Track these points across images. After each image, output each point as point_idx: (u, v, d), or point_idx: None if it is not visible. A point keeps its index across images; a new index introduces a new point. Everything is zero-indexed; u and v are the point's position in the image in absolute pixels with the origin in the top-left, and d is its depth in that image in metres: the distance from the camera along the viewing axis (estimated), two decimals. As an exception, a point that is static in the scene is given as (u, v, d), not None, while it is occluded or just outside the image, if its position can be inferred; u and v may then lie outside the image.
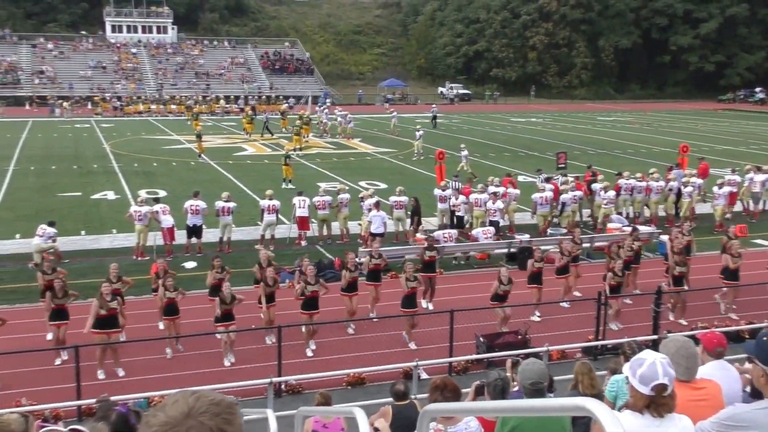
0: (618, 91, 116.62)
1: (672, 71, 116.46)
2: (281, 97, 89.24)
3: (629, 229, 25.64)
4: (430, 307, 20.01)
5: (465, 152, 39.83)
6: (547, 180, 29.80)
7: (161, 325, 17.86)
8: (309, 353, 17.25)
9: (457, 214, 27.27)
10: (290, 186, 34.30)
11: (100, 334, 15.94)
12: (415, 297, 18.37)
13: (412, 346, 17.70)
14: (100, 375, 15.64)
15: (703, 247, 24.97)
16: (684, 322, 19.03)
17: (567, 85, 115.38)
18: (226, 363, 16.60)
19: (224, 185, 33.75)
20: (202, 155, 45.08)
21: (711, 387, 5.34)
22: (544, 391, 7.30)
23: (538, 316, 19.54)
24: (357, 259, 20.08)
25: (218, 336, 16.91)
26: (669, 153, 45.14)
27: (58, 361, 16.43)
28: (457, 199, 27.34)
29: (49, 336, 17.14)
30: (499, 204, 26.96)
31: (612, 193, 28.41)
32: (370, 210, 25.65)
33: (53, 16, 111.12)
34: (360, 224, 26.72)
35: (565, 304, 20.10)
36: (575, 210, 28.23)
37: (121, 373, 16.04)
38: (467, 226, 27.64)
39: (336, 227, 26.94)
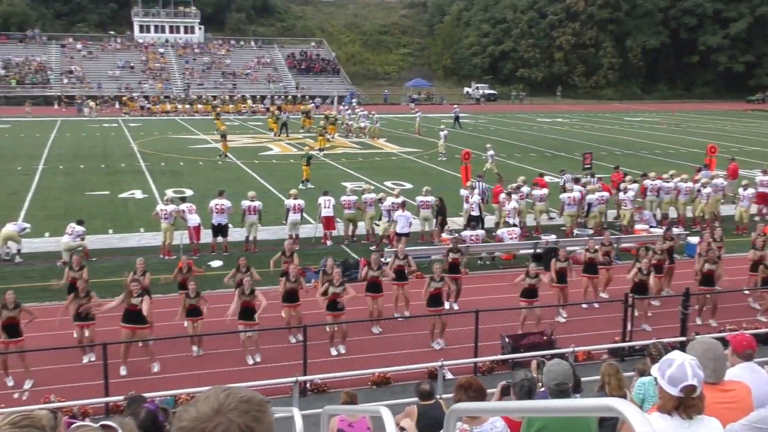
0: (645, 92, 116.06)
1: (700, 71, 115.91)
2: (307, 97, 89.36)
3: (656, 230, 25.61)
4: (456, 307, 19.96)
5: (491, 152, 39.69)
6: (576, 181, 29.66)
7: (186, 323, 17.95)
8: (333, 352, 17.28)
9: (471, 213, 27.20)
10: (303, 187, 34.38)
11: (126, 329, 16.05)
12: (440, 297, 18.30)
13: (440, 344, 17.68)
14: (122, 371, 15.66)
15: (732, 248, 24.78)
16: (714, 323, 18.89)
17: (594, 85, 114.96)
18: (249, 362, 16.64)
19: (250, 185, 33.86)
20: (228, 154, 45.25)
21: (740, 389, 5.31)
22: (569, 392, 7.27)
23: (564, 317, 19.47)
24: (383, 259, 20.11)
25: (240, 335, 16.97)
26: (697, 154, 44.90)
27: (85, 360, 16.55)
28: (471, 197, 27.32)
29: (75, 334, 17.33)
30: (513, 203, 26.95)
31: (631, 194, 28.21)
32: (389, 211, 25.70)
33: (82, 17, 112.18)
34: (377, 224, 26.70)
35: (588, 305, 19.99)
36: (602, 211, 28.10)
37: (156, 368, 16.15)
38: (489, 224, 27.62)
39: (362, 227, 26.97)
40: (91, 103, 75.60)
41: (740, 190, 29.55)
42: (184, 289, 17.98)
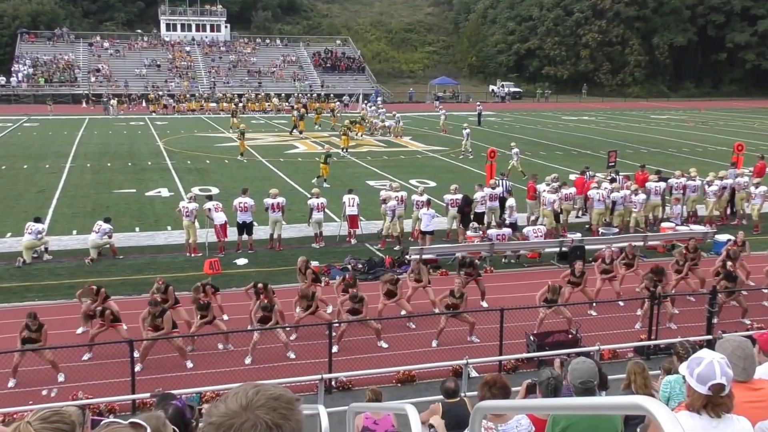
0: (672, 90, 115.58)
1: (728, 69, 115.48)
2: (332, 95, 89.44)
3: (682, 228, 25.55)
4: (484, 305, 19.88)
5: (516, 150, 39.60)
6: (612, 181, 29.57)
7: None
8: (383, 345, 17.44)
9: (476, 210, 27.18)
10: (316, 183, 34.65)
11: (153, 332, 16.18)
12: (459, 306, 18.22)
13: (475, 339, 17.78)
14: (137, 368, 15.50)
15: (753, 247, 24.58)
16: (747, 321, 18.76)
17: (620, 83, 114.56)
18: (247, 361, 16.56)
19: (275, 183, 34.02)
20: (243, 153, 45.16)
21: (769, 388, 5.29)
22: (594, 390, 7.28)
23: (594, 313, 19.41)
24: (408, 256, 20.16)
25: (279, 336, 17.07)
26: (725, 152, 44.59)
27: (85, 357, 16.58)
28: (477, 194, 27.35)
29: (80, 330, 17.54)
30: (512, 201, 27.11)
31: (642, 197, 27.95)
32: (393, 210, 25.68)
33: (109, 15, 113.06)
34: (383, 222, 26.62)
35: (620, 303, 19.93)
36: (630, 209, 27.94)
37: (189, 365, 16.24)
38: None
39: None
40: (113, 101, 76.16)
41: (752, 188, 29.27)
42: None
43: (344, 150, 46.85)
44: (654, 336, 17.26)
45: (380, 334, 17.58)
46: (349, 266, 22.40)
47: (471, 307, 18.36)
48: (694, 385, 4.42)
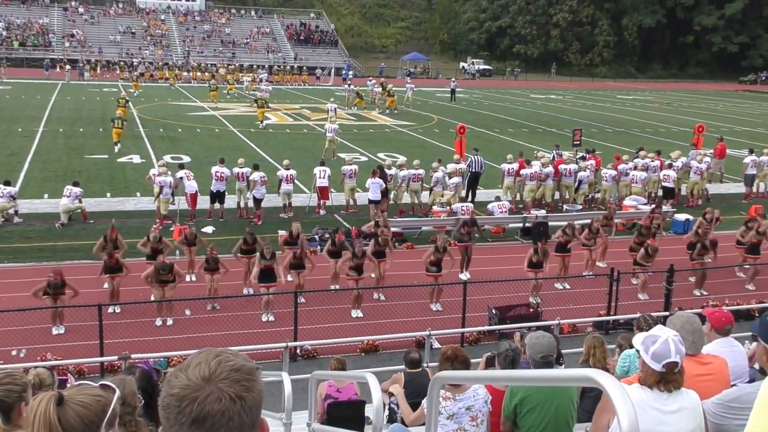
0: (639, 71, 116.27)
1: (695, 51, 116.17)
2: (305, 68, 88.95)
3: (645, 207, 25.98)
4: (467, 276, 20.15)
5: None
6: (592, 153, 30.20)
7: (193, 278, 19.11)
8: (354, 314, 17.98)
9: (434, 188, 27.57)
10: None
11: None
12: (440, 264, 18.61)
13: (438, 307, 18.33)
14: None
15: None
16: (704, 292, 19.81)
17: (588, 63, 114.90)
18: (264, 319, 17.39)
19: (246, 153, 34.01)
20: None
21: (718, 363, 5.57)
22: (552, 364, 7.50)
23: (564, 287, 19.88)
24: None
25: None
26: (687, 133, 45.09)
27: (110, 310, 16.88)
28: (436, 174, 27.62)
29: (106, 285, 17.72)
30: (455, 180, 27.43)
31: (643, 174, 28.55)
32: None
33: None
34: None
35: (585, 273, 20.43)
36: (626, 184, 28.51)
37: (169, 322, 17.04)
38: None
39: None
40: (67, 66, 73.43)
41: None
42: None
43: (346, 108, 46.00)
44: (613, 312, 17.66)
45: (359, 303, 18.17)
46: (316, 237, 22.64)
47: (447, 279, 18.70)
48: (648, 362, 4.57)
